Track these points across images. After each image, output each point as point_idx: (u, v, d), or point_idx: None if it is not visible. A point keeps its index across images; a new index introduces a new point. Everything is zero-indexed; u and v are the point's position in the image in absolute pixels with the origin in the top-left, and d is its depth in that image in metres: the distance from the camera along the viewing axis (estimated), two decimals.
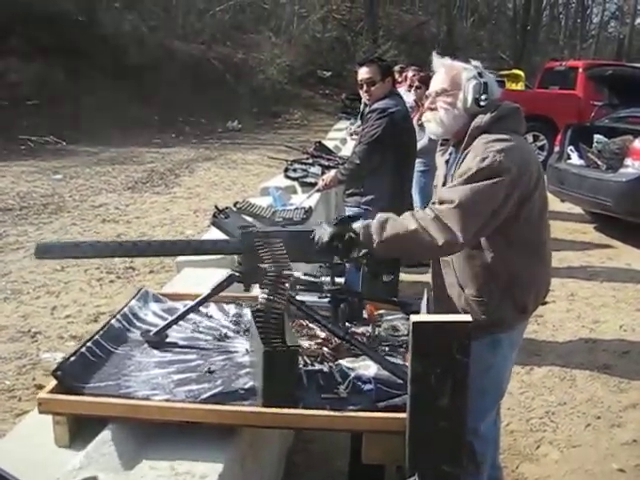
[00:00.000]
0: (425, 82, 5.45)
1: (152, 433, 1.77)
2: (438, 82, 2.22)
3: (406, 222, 2.00)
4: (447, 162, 2.31)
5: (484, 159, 2.01)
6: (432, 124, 2.23)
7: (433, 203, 2.49)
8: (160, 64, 16.97)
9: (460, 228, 1.96)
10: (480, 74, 2.17)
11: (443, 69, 2.23)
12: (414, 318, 1.56)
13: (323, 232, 1.99)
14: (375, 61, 4.13)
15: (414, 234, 1.97)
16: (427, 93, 2.27)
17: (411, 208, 4.24)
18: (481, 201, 2.00)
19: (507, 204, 2.05)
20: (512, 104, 2.22)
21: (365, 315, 2.33)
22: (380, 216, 2.03)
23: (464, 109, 2.16)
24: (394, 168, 4.02)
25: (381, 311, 2.40)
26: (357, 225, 2.03)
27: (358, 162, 4.03)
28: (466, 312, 2.20)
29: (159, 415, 1.73)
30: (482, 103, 2.14)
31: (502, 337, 2.30)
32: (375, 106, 4.00)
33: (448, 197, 2.02)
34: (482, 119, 2.13)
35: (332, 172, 4.45)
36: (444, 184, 2.29)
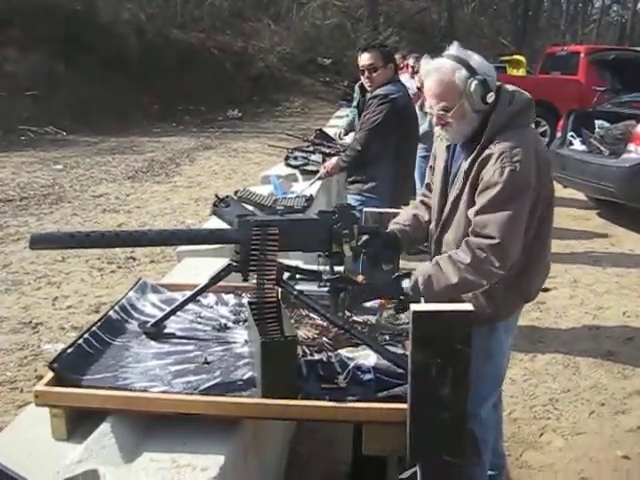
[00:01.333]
0: None
1: (152, 425, 1.76)
2: (435, 96, 2.09)
3: (449, 275, 2.02)
4: (449, 148, 2.26)
5: (512, 172, 1.97)
6: (446, 137, 2.19)
7: (427, 185, 2.46)
8: (159, 53, 16.90)
9: (503, 261, 2.00)
10: (468, 66, 2.05)
11: (432, 78, 2.09)
12: (414, 307, 1.54)
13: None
14: (377, 47, 4.09)
15: (458, 286, 2.03)
16: (429, 106, 2.14)
17: (413, 195, 4.22)
18: (517, 226, 2.02)
19: (535, 210, 2.09)
20: (524, 95, 2.14)
21: (369, 304, 2.30)
22: (423, 273, 2.05)
23: (474, 112, 2.08)
24: (396, 155, 4.00)
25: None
26: (406, 287, 2.05)
27: (359, 149, 4.00)
28: (470, 302, 2.19)
29: (157, 407, 1.71)
30: (489, 100, 2.05)
31: (499, 324, 2.31)
32: (377, 92, 3.96)
33: (486, 232, 2.00)
34: (501, 117, 2.06)
35: (333, 159, 4.43)
36: (446, 168, 2.25)
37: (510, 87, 2.16)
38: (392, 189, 3.98)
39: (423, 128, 5.00)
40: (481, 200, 2.03)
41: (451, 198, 2.19)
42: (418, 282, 2.04)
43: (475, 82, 2.03)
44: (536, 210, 2.11)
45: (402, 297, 2.06)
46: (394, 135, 3.93)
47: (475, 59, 2.10)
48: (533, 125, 2.38)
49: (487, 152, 2.05)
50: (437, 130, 2.20)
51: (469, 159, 2.11)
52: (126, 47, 16.00)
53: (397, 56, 6.86)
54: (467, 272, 2.00)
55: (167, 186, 8.73)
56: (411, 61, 7.07)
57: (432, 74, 2.09)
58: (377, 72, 3.97)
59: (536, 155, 2.06)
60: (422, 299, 2.05)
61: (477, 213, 2.04)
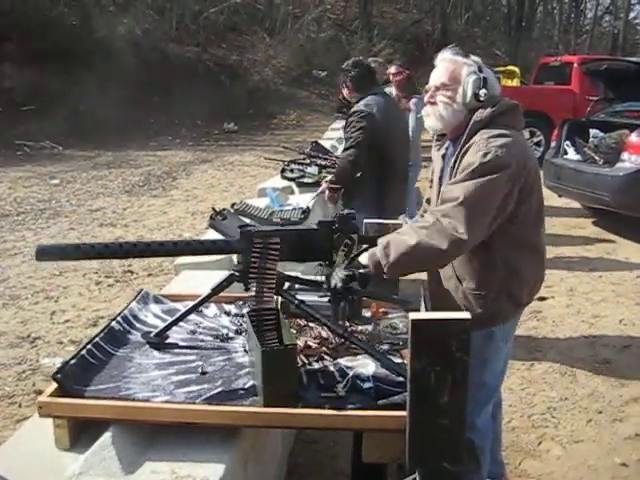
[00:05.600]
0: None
1: (152, 436, 1.77)
2: (438, 76, 2.22)
3: (406, 237, 2.00)
4: (444, 156, 2.31)
5: (486, 154, 2.02)
6: (431, 118, 2.24)
7: (427, 199, 2.49)
8: (155, 67, 16.96)
9: (466, 225, 1.96)
10: (480, 69, 2.18)
11: (443, 63, 2.23)
12: (413, 316, 1.55)
13: (336, 278, 1.99)
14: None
15: (417, 247, 1.97)
16: (427, 87, 2.26)
17: (403, 205, 4.25)
18: (485, 197, 2.02)
19: (509, 200, 2.08)
20: (511, 100, 2.22)
21: (368, 313, 2.33)
22: (381, 240, 2.03)
23: (463, 104, 2.17)
24: (376, 170, 4.03)
25: (385, 309, 2.39)
26: (364, 258, 2.03)
27: (345, 166, 4.08)
28: (463, 306, 2.22)
29: (159, 417, 1.73)
30: (481, 98, 2.14)
31: (495, 330, 2.32)
32: (354, 109, 4.04)
33: (451, 195, 2.02)
34: (482, 114, 2.13)
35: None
36: (440, 178, 2.29)
37: (502, 98, 2.22)
38: (376, 201, 3.98)
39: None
40: (454, 179, 2.09)
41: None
42: (376, 250, 2.01)
43: (475, 76, 2.15)
44: (510, 198, 2.09)
45: (362, 271, 2.01)
46: (373, 149, 3.98)
47: (486, 69, 2.22)
48: (527, 134, 2.42)
49: (468, 144, 2.12)
50: (425, 110, 2.27)
51: (454, 156, 2.18)
52: (122, 61, 16.03)
53: (392, 69, 6.81)
54: (427, 234, 1.97)
55: (164, 200, 8.74)
56: (392, 69, 6.69)
57: (446, 60, 2.23)
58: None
59: (520, 148, 2.10)
60: (383, 270, 2.00)
61: (447, 187, 2.09)
